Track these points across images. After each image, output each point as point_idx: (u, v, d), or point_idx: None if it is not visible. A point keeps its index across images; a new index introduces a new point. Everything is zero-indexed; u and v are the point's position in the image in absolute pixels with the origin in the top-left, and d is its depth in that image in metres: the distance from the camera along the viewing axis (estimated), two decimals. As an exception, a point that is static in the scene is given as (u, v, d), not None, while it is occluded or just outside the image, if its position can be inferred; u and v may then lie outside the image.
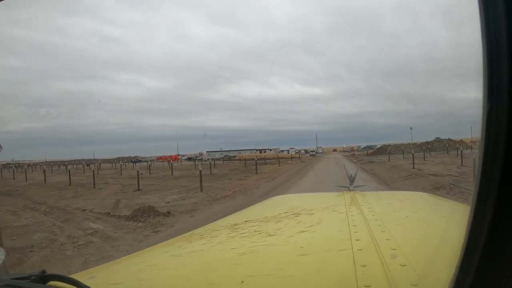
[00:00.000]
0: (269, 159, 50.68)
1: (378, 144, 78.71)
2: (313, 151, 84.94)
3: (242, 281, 0.83)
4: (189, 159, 75.84)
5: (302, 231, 1.28)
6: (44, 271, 0.76)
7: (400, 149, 51.03)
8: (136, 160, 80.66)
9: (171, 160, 60.35)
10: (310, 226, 1.34)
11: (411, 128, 72.68)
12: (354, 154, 66.81)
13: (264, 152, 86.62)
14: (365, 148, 79.74)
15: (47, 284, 0.76)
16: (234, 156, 74.13)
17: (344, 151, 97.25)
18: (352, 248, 0.95)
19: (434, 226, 1.29)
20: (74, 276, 0.80)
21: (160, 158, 79.25)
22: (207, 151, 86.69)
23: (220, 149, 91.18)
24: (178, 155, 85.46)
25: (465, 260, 0.45)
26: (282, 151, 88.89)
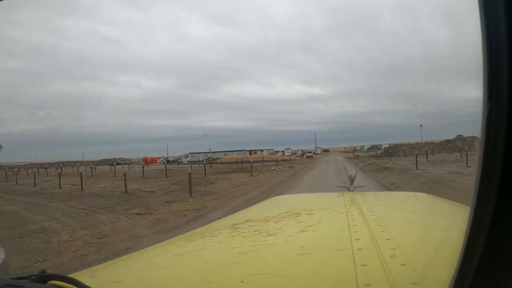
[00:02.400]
0: (254, 162, 40.77)
1: (383, 143, 68.00)
2: (310, 152, 71.36)
3: (243, 281, 0.83)
4: (168, 161, 64.27)
5: (302, 231, 1.28)
6: (44, 271, 0.77)
7: (413, 149, 40.35)
8: (115, 162, 67.92)
9: (147, 163, 53.71)
10: (310, 226, 1.34)
11: (421, 126, 61.28)
12: (358, 155, 55.65)
13: (254, 153, 74.72)
14: (370, 148, 66.18)
15: (47, 283, 0.76)
16: (217, 159, 63.24)
17: (345, 151, 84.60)
18: (352, 247, 0.96)
19: (434, 226, 1.30)
20: (74, 275, 0.81)
21: (144, 160, 69.15)
22: (189, 153, 76.21)
23: (209, 150, 79.81)
24: (152, 157, 75.01)
25: (465, 260, 0.45)
26: (277, 152, 77.79)
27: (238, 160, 45.27)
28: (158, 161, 64.32)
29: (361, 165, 27.58)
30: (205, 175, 22.51)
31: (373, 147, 66.08)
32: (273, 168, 29.14)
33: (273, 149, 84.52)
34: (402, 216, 1.58)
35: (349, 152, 79.90)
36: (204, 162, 48.71)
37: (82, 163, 67.33)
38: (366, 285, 0.73)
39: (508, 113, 0.41)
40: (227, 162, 48.27)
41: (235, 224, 1.52)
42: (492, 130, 0.42)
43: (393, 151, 46.47)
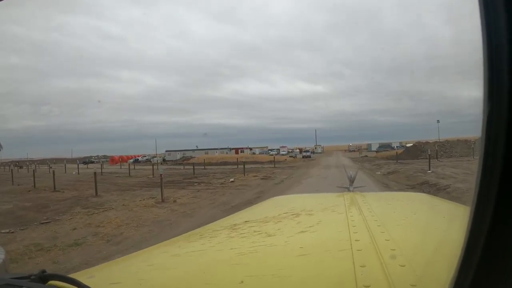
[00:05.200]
0: (227, 164, 34.83)
1: (393, 142, 58.62)
2: (308, 151, 58.64)
3: (242, 281, 0.83)
4: (136, 160, 57.15)
5: (302, 232, 1.28)
6: (44, 271, 0.77)
7: (442, 149, 31.35)
8: (88, 160, 63.19)
9: (116, 162, 46.89)
10: (309, 227, 1.34)
11: (438, 121, 50.24)
12: (366, 156, 44.71)
13: (242, 152, 65.51)
14: (382, 147, 54.33)
15: (47, 283, 0.76)
16: (189, 158, 53.10)
17: (349, 150, 71.06)
18: (351, 248, 0.95)
19: (433, 226, 1.29)
20: (73, 275, 0.81)
21: (111, 159, 61.56)
22: (166, 150, 68.08)
23: (196, 147, 71.17)
24: (121, 156, 64.46)
25: (465, 260, 0.45)
26: (271, 150, 69.03)
27: (206, 162, 38.89)
28: (129, 161, 54.04)
29: (379, 173, 19.30)
30: (96, 193, 14.31)
31: (384, 146, 54.77)
32: (232, 180, 18.47)
33: (267, 147, 76.07)
34: (402, 216, 1.58)
35: (353, 151, 65.99)
36: (181, 162, 42.29)
37: (67, 160, 59.70)
38: (365, 286, 0.73)
39: (508, 113, 0.40)
40: (198, 163, 38.34)
41: (235, 225, 1.51)
42: (493, 130, 0.42)
43: (416, 151, 34.69)
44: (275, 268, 0.93)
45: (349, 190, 2.50)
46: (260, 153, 64.23)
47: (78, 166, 34.01)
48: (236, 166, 30.53)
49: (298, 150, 66.58)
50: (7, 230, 8.94)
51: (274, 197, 2.67)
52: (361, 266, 0.82)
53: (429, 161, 18.55)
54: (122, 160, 58.63)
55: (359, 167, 22.06)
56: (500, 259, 0.43)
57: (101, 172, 29.50)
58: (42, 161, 63.05)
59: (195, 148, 71.50)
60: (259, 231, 1.33)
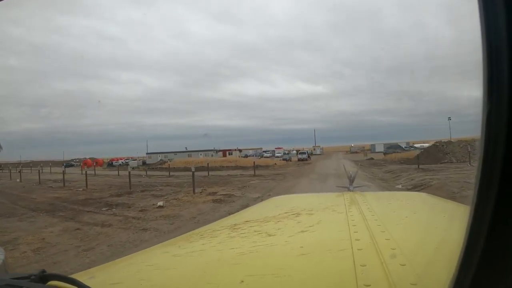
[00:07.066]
0: (206, 170, 25.69)
1: (399, 142, 49.76)
2: (305, 152, 50.54)
3: (242, 281, 0.83)
4: (110, 164, 52.06)
5: (302, 231, 1.28)
6: (44, 271, 0.77)
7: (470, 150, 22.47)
8: (68, 163, 58.74)
9: (88, 166, 40.68)
10: (310, 226, 1.35)
11: (449, 119, 43.13)
12: (372, 158, 36.77)
13: (230, 154, 59.36)
14: (389, 148, 45.49)
15: (47, 284, 0.76)
16: (165, 162, 45.92)
17: (350, 152, 62.90)
18: (352, 248, 0.96)
19: (433, 226, 1.29)
20: (74, 276, 0.81)
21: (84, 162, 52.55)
22: (147, 153, 62.71)
23: (185, 149, 62.53)
24: (97, 159, 58.76)
25: (465, 260, 0.45)
26: (266, 152, 62.81)
27: (181, 167, 33.84)
28: (104, 165, 50.61)
29: (399, 186, 14.43)
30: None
31: (393, 147, 46.09)
32: (160, 204, 11.51)
33: (261, 149, 69.69)
34: (402, 216, 1.58)
35: (356, 152, 58.60)
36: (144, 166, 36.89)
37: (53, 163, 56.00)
38: (366, 286, 0.73)
39: (508, 113, 0.40)
40: (170, 169, 32.70)
41: (235, 225, 1.52)
42: (492, 130, 0.42)
43: (437, 152, 27.72)
44: (276, 268, 0.93)
45: (349, 190, 2.51)
46: (251, 155, 56.75)
47: (20, 172, 28.46)
48: (207, 174, 24.25)
49: (295, 151, 60.97)
50: None
51: (274, 197, 2.67)
52: (361, 265, 0.83)
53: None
54: (98, 163, 52.23)
55: (367, 175, 17.62)
56: (500, 259, 0.43)
57: (39, 181, 23.77)
58: (34, 164, 57.51)
59: (184, 150, 63.85)
60: (259, 231, 1.33)
